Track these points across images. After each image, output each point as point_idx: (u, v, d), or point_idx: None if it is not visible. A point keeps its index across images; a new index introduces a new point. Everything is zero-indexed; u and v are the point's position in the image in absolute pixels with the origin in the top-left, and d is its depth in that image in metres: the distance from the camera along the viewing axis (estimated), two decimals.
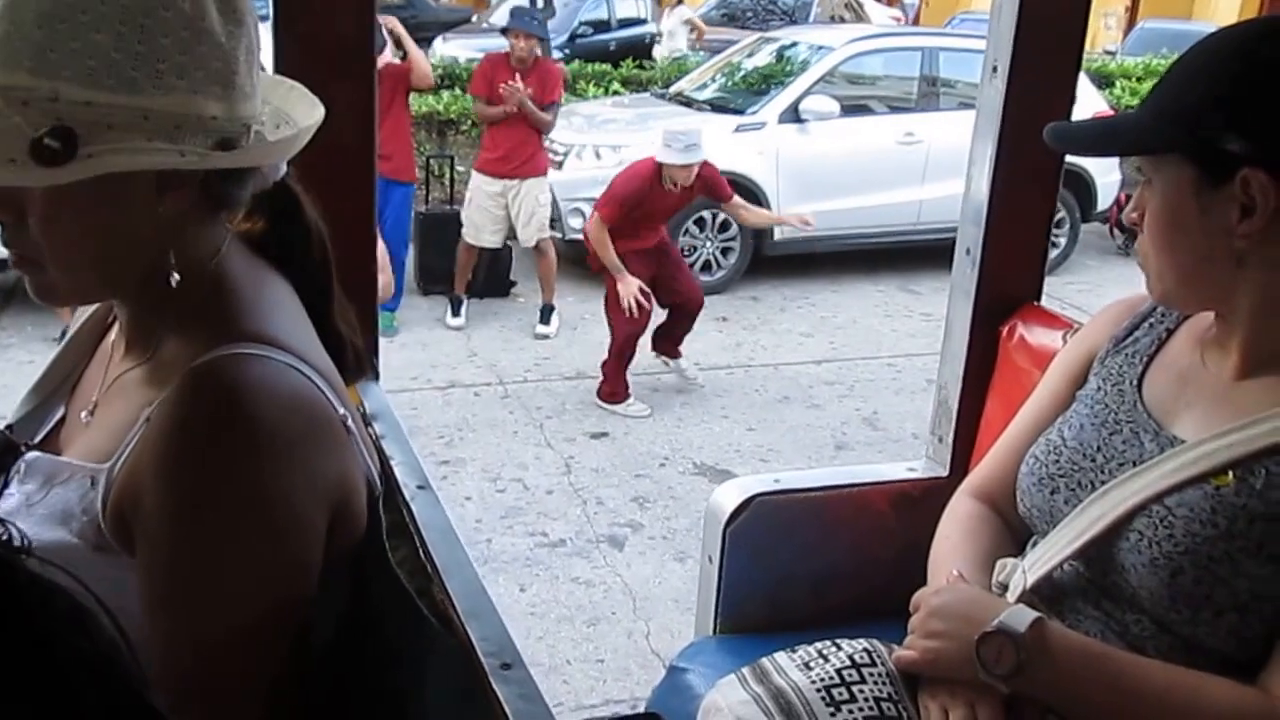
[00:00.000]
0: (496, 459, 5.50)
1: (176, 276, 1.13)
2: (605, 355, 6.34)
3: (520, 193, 7.30)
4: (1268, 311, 1.36)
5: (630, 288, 6.07)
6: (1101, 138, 1.61)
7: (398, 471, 1.40)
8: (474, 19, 17.15)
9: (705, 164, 6.33)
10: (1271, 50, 1.33)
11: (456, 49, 14.06)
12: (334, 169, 1.68)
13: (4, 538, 0.53)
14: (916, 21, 20.08)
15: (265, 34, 1.25)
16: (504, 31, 7.75)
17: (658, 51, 14.47)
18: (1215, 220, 1.33)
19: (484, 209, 7.35)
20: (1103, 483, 1.43)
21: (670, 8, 15.30)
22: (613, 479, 5.37)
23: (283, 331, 1.18)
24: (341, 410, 1.19)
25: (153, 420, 1.10)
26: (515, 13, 7.43)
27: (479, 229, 7.40)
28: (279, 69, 1.65)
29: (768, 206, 8.40)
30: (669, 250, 6.59)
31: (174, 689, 1.02)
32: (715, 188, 6.52)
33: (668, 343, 6.57)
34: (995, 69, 2.00)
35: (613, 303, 6.25)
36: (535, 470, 5.42)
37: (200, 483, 1.07)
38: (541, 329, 7.36)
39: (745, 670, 1.51)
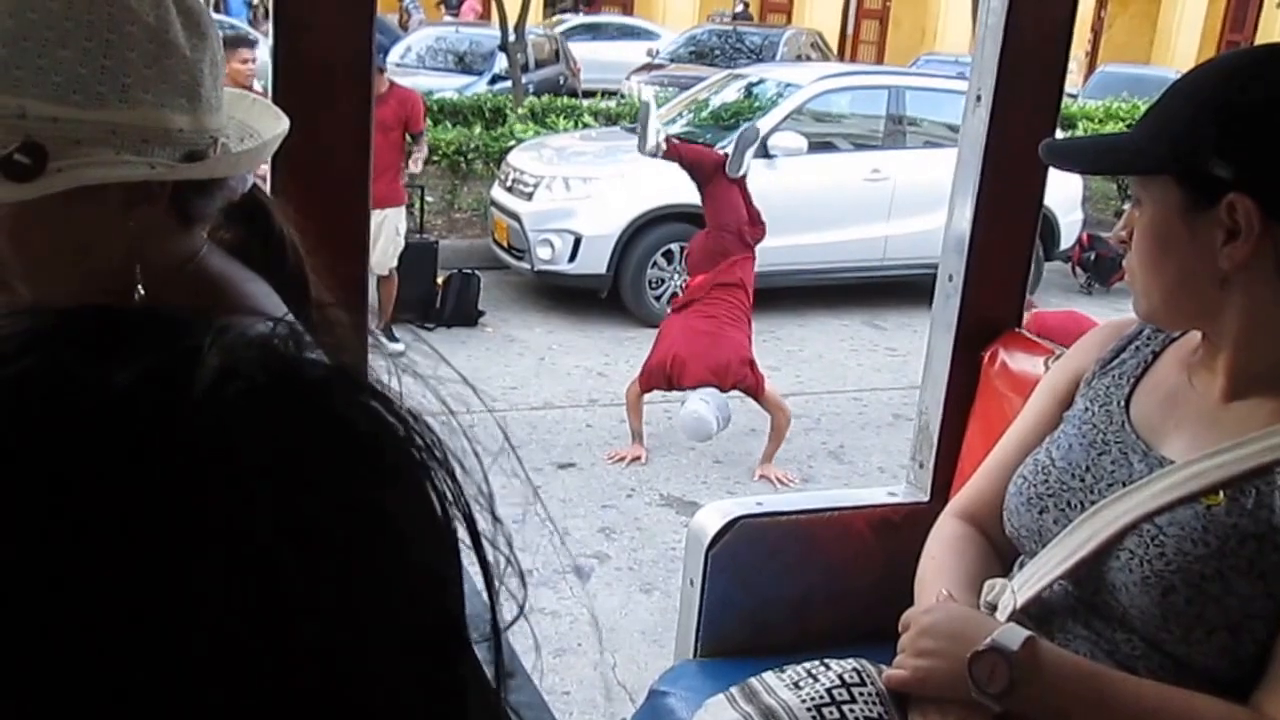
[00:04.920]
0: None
1: (141, 291, 1.13)
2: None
3: (384, 221, 7.16)
4: (1252, 334, 1.38)
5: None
6: (1094, 155, 1.63)
7: None
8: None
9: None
10: (1262, 80, 1.35)
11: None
12: (329, 187, 1.69)
13: None
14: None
15: (264, 52, 1.25)
16: None
17: None
18: (1201, 242, 1.35)
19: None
20: (1092, 503, 1.43)
21: None
22: (580, 509, 5.35)
23: (276, 316, 1.17)
24: None
25: None
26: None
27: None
28: (276, 89, 1.66)
29: None
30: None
31: None
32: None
33: None
34: (979, 98, 2.02)
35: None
36: (502, 500, 5.38)
37: None
38: (394, 346, 7.37)
39: (734, 690, 1.51)
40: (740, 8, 25.44)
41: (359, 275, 1.74)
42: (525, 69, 14.57)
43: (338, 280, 1.36)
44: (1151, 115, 1.43)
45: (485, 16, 20.46)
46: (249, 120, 1.24)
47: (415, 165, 7.54)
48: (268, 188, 1.52)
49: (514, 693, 1.01)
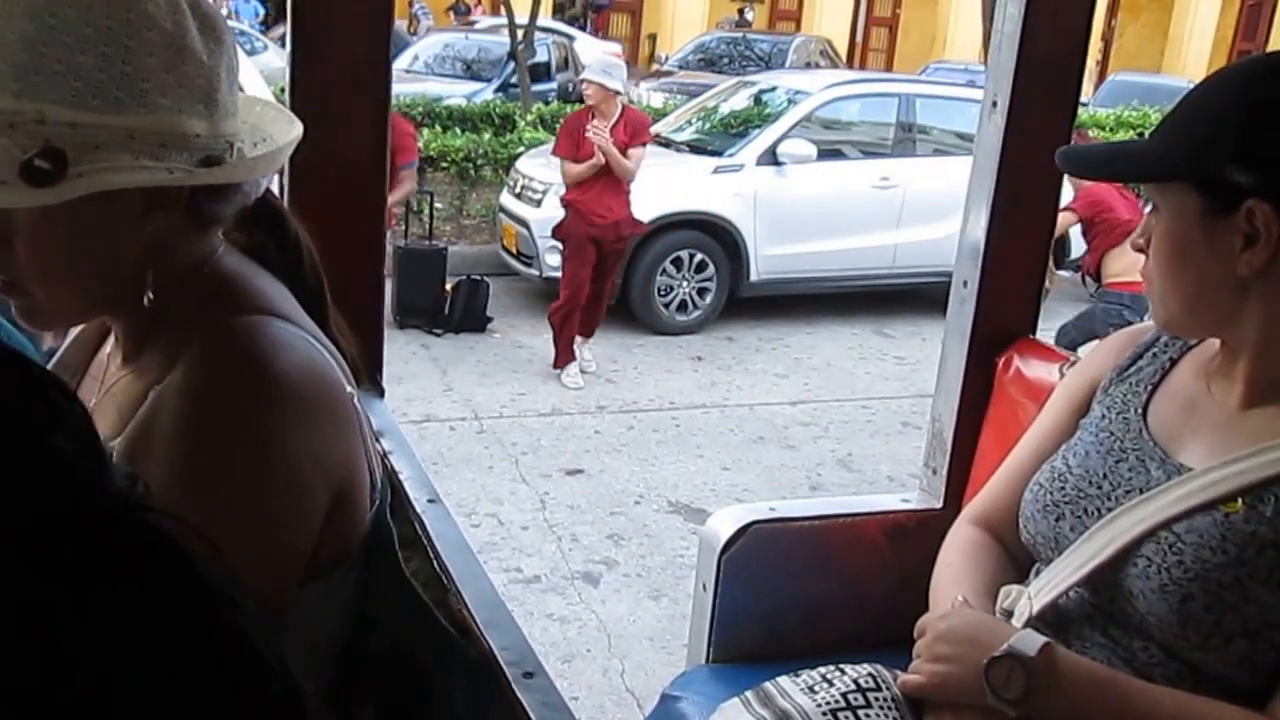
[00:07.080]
0: (471, 494, 5.46)
1: (150, 296, 1.14)
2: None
3: None
4: (1271, 340, 1.37)
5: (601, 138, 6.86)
6: (1110, 162, 1.63)
7: (406, 485, 1.39)
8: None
9: (630, 108, 7.25)
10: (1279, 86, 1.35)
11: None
12: (346, 187, 1.70)
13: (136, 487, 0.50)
14: None
15: (279, 57, 1.26)
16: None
17: None
18: (1219, 249, 1.34)
19: None
20: (1109, 510, 1.43)
21: None
22: (588, 516, 5.34)
23: (293, 315, 1.18)
24: (350, 389, 1.19)
25: (169, 381, 1.09)
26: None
27: None
28: (293, 92, 1.66)
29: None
30: (620, 240, 7.23)
31: None
32: (636, 130, 7.05)
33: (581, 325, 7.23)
34: (995, 104, 2.02)
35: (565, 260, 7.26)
36: (510, 506, 5.38)
37: (213, 432, 1.07)
38: None
39: (749, 694, 1.51)
40: (742, 14, 25.46)
41: (375, 276, 1.75)
42: (537, 78, 14.55)
43: (354, 282, 1.36)
44: (1169, 122, 1.43)
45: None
46: (260, 124, 1.25)
47: (391, 196, 7.35)
48: (277, 190, 1.53)
49: (534, 693, 1.02)
